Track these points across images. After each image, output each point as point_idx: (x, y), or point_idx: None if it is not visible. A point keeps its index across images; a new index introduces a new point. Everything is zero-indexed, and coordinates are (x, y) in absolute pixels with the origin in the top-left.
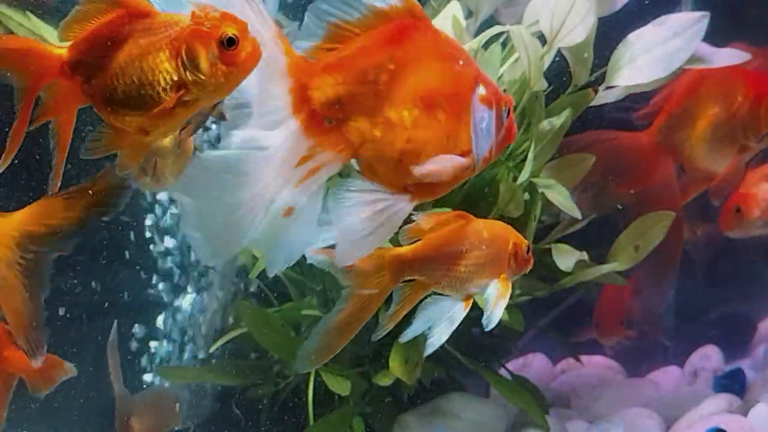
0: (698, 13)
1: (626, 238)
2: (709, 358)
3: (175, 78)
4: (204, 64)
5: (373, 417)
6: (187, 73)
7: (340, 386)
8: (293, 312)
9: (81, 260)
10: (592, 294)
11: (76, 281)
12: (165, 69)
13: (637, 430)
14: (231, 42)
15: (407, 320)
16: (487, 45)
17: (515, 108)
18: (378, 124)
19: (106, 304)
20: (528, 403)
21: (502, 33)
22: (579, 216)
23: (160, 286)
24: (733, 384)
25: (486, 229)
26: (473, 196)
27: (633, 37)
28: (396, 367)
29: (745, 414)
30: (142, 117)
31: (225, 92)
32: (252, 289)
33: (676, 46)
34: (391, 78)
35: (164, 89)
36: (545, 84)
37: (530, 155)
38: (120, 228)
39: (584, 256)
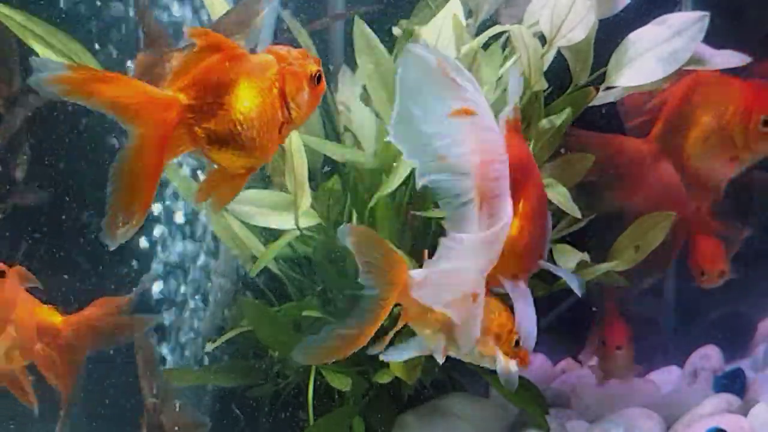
0: (698, 13)
1: (627, 238)
2: (709, 358)
3: (280, 116)
4: (302, 100)
5: (373, 417)
6: (289, 110)
7: (341, 382)
8: (293, 312)
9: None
10: (591, 294)
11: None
12: (270, 109)
13: (637, 430)
14: (319, 78)
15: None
16: (486, 45)
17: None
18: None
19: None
20: (528, 403)
21: (502, 33)
22: (579, 215)
23: (161, 286)
24: (733, 384)
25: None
26: None
27: (633, 36)
28: (396, 366)
29: (745, 414)
30: (249, 156)
31: (303, 122)
32: (252, 289)
33: (676, 46)
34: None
35: (271, 128)
36: (545, 84)
37: None
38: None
39: (586, 256)
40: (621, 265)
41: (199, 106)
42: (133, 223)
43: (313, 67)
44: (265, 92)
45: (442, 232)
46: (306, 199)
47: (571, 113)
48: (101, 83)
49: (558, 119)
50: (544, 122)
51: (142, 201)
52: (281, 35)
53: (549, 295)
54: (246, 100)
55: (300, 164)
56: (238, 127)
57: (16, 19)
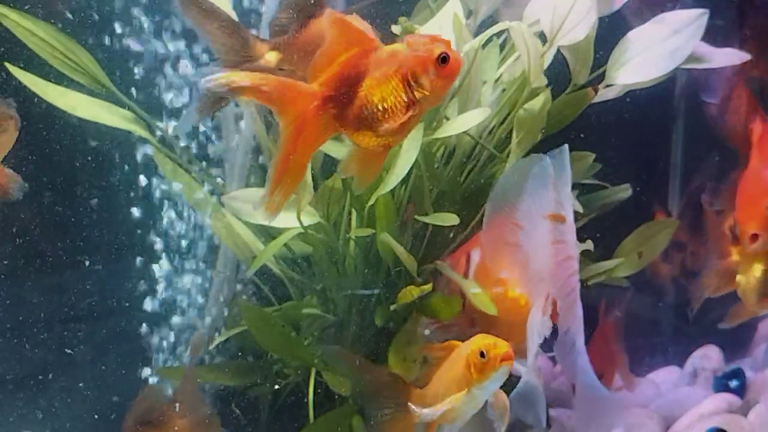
0: (698, 11)
1: (630, 244)
2: (709, 358)
3: (404, 98)
4: (427, 82)
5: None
6: (415, 92)
7: (341, 386)
8: (293, 312)
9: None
10: (591, 293)
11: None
12: (395, 93)
13: (637, 430)
14: (445, 59)
15: (405, 321)
16: (485, 44)
17: (514, 107)
18: None
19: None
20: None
21: (502, 32)
22: (580, 209)
23: (161, 286)
24: (733, 384)
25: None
26: (474, 194)
27: (632, 35)
28: (394, 364)
29: (745, 414)
30: (384, 135)
31: (439, 100)
32: (252, 289)
33: (675, 44)
34: None
35: (398, 110)
36: (545, 81)
37: (513, 143)
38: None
39: (589, 245)
40: (623, 270)
41: (337, 96)
42: (283, 198)
43: (438, 50)
44: (390, 78)
45: (439, 233)
46: (308, 195)
47: (548, 97)
48: (256, 83)
49: (536, 104)
50: (522, 110)
51: (294, 179)
52: None
53: None
54: (373, 88)
55: None
56: (368, 112)
57: (12, 18)
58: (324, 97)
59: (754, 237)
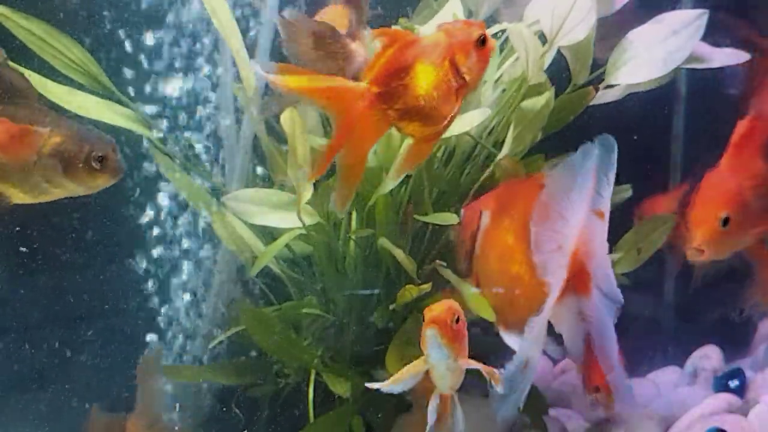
0: (697, 11)
1: (629, 240)
2: (709, 358)
3: (454, 83)
4: (471, 65)
5: (372, 417)
6: (461, 75)
7: (341, 387)
8: (293, 311)
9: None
10: None
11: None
12: (445, 80)
13: (637, 430)
14: (483, 40)
15: (403, 321)
16: None
17: (514, 106)
18: None
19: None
20: (528, 403)
21: (503, 32)
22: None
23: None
24: (733, 384)
25: None
26: (474, 194)
27: (632, 35)
28: (393, 366)
29: (745, 414)
30: (434, 123)
31: (479, 82)
32: (251, 288)
33: (675, 45)
34: None
35: (448, 96)
36: (547, 80)
37: (509, 136)
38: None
39: None
40: (623, 267)
41: (387, 92)
42: (349, 194)
43: (476, 32)
44: (437, 67)
45: (439, 233)
46: (308, 191)
47: (552, 95)
48: (307, 85)
49: (539, 102)
50: (525, 105)
51: (356, 175)
52: None
53: None
54: (423, 78)
55: (302, 153)
56: (421, 102)
57: (14, 19)
58: (375, 94)
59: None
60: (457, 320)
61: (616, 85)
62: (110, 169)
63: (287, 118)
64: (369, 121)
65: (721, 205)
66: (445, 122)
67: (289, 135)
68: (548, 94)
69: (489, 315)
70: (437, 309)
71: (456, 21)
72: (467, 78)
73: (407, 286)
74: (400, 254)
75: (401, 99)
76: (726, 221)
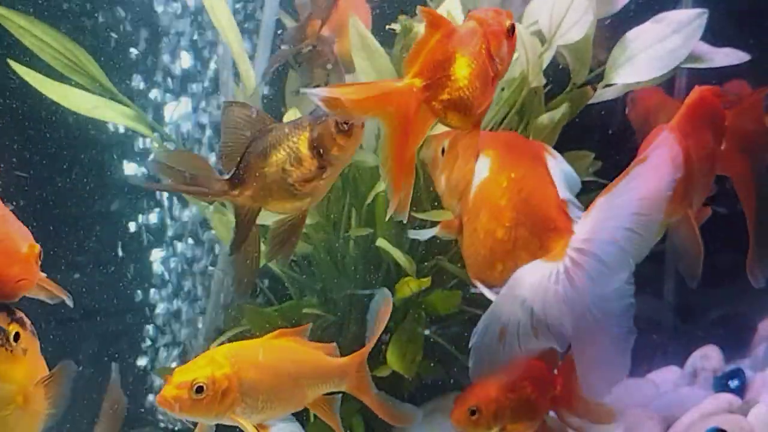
0: (697, 10)
1: None
2: (709, 358)
3: (491, 72)
4: (504, 53)
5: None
6: (495, 64)
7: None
8: (293, 311)
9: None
10: None
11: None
12: (484, 68)
13: (637, 430)
14: (513, 29)
15: (404, 318)
16: None
17: (514, 106)
18: None
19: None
20: None
21: None
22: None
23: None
24: (733, 384)
25: None
26: None
27: (632, 34)
28: (394, 361)
29: (745, 414)
30: (476, 111)
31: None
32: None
33: (674, 44)
34: None
35: (488, 84)
36: (543, 80)
37: None
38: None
39: None
40: None
41: (433, 83)
42: (408, 196)
43: (508, 22)
44: (477, 55)
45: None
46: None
47: (568, 108)
48: (352, 95)
49: (556, 114)
50: (544, 118)
51: (409, 175)
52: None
53: None
54: (465, 68)
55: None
56: (466, 92)
57: (14, 21)
58: (421, 88)
59: None
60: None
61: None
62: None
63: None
64: (418, 116)
65: None
66: (482, 111)
67: None
68: (565, 107)
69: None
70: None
71: (484, 9)
72: (500, 67)
73: (406, 279)
74: (398, 255)
75: (446, 90)
76: None
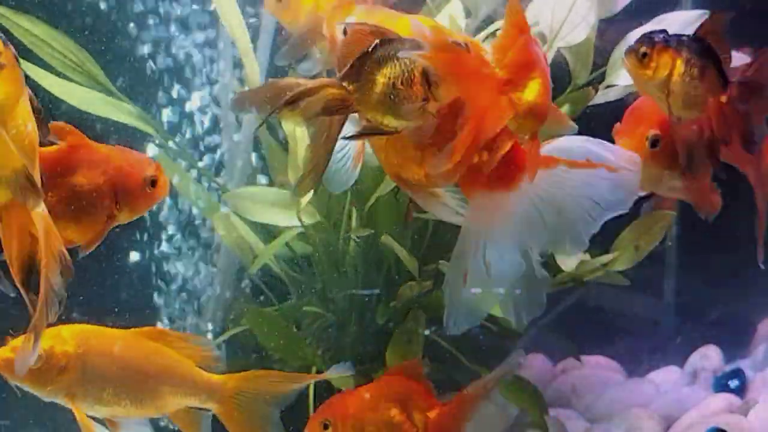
0: (697, 12)
1: (627, 238)
2: (709, 358)
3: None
4: None
5: None
6: None
7: (345, 382)
8: (293, 311)
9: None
10: (591, 293)
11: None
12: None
13: (637, 430)
14: None
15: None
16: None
17: None
18: None
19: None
20: (528, 403)
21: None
22: None
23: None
24: (733, 384)
25: None
26: None
27: (632, 35)
28: (393, 363)
29: (745, 414)
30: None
31: None
32: (251, 288)
33: None
34: None
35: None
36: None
37: None
38: None
39: (586, 256)
40: (621, 264)
41: (512, 79)
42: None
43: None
44: (545, 66)
45: (440, 233)
46: (308, 195)
47: (570, 110)
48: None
49: None
50: None
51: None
52: None
53: (549, 295)
54: (545, 77)
55: (303, 155)
56: (544, 100)
57: (14, 20)
58: (503, 80)
59: None
60: None
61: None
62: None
63: (289, 129)
64: (497, 106)
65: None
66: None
67: (290, 137)
68: (566, 109)
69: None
70: None
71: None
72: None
73: (408, 283)
74: (402, 252)
75: (524, 88)
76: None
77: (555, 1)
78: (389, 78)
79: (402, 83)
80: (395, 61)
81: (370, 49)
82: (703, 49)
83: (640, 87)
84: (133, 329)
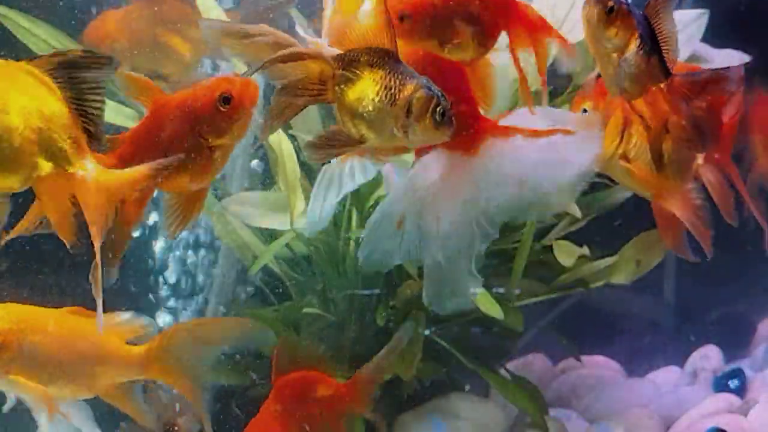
0: (698, 11)
1: (629, 252)
2: (709, 358)
3: None
4: None
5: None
6: None
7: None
8: (293, 311)
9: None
10: (591, 293)
11: None
12: None
13: (637, 430)
14: None
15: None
16: None
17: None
18: None
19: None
20: (528, 403)
21: None
22: (579, 215)
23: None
24: (733, 384)
25: None
26: None
27: None
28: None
29: (745, 414)
30: None
31: None
32: (251, 288)
33: None
34: None
35: None
36: None
37: None
38: None
39: (585, 250)
40: (622, 277)
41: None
42: None
43: None
44: None
45: None
46: (300, 202)
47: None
48: None
49: None
50: None
51: None
52: None
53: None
54: None
55: (291, 168)
56: None
57: (13, 19)
58: None
59: None
60: None
61: None
62: None
63: (275, 142)
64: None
65: None
66: None
67: (278, 153)
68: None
69: (497, 313)
70: None
71: None
72: None
73: (408, 283)
74: None
75: None
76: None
77: (555, 0)
78: (376, 83)
79: (385, 96)
80: (389, 73)
81: (370, 49)
82: (652, 34)
83: (593, 42)
84: (62, 308)
